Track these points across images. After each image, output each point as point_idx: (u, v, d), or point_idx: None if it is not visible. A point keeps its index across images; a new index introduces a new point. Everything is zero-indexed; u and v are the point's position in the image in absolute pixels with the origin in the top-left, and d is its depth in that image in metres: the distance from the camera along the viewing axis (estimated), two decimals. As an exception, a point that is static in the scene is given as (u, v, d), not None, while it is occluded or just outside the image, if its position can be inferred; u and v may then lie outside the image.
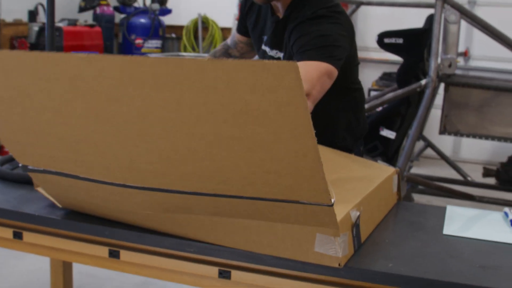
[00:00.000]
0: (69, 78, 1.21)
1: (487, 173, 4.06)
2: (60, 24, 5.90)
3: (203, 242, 1.35)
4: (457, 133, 3.72)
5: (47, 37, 1.83)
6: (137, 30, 6.72)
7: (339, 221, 1.26)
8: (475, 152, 6.13)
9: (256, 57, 2.12)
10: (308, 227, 1.25)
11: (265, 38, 1.92)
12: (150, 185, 1.32)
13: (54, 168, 1.43)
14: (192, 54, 6.12)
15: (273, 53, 1.91)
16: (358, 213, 1.38)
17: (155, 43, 6.78)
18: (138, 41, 6.68)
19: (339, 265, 1.25)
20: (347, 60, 1.76)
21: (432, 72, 3.22)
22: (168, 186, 1.30)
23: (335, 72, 1.68)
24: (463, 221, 1.63)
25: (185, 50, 7.15)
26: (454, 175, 4.86)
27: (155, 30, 6.73)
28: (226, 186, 1.25)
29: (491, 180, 4.35)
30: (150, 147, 1.25)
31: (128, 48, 6.76)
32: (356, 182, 1.59)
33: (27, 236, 1.53)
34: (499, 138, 3.67)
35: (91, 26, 6.25)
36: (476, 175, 4.88)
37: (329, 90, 1.69)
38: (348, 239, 1.30)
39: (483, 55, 5.83)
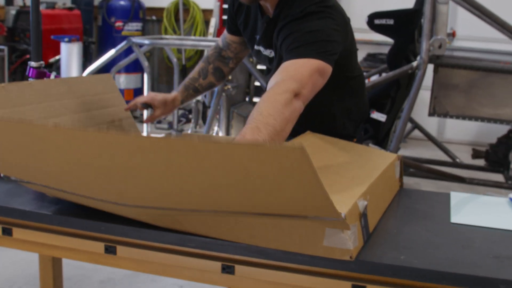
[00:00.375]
0: (39, 138, 1.18)
1: (476, 154, 4.04)
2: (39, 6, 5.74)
3: (205, 237, 1.29)
4: (446, 115, 3.68)
5: (31, 22, 1.74)
6: (116, 13, 6.57)
7: (347, 212, 1.21)
8: (460, 132, 6.13)
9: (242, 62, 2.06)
10: (316, 222, 1.19)
11: (257, 37, 1.85)
12: (143, 204, 1.28)
13: (39, 182, 1.39)
14: (175, 36, 6.00)
15: (267, 52, 1.83)
16: (365, 203, 1.32)
17: (135, 25, 6.65)
18: (118, 23, 6.54)
19: (350, 257, 1.19)
20: (342, 54, 1.67)
21: (423, 53, 3.16)
22: (163, 205, 1.26)
23: (328, 68, 1.57)
24: (469, 208, 1.59)
25: (165, 33, 7.03)
26: (440, 155, 4.84)
27: (135, 12, 6.60)
28: (226, 207, 1.21)
29: (478, 161, 4.33)
30: (139, 185, 1.21)
31: (108, 31, 6.62)
32: (359, 170, 1.54)
33: (17, 232, 1.46)
34: (489, 120, 3.64)
35: (70, 9, 6.10)
36: (461, 155, 4.87)
37: (326, 83, 1.61)
38: (357, 230, 1.25)
39: (467, 35, 5.80)
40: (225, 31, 2.04)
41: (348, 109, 1.89)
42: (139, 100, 1.91)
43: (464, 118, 3.68)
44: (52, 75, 1.87)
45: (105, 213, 1.37)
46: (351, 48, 1.79)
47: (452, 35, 5.44)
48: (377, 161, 1.62)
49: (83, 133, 1.12)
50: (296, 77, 1.49)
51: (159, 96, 1.92)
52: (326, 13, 1.64)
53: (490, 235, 1.40)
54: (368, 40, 5.87)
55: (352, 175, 1.48)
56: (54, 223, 1.40)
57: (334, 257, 1.19)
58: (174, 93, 1.97)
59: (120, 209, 1.33)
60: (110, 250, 1.39)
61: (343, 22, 1.70)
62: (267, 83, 2.04)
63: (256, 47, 1.86)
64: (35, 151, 1.24)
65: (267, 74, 1.92)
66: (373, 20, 3.28)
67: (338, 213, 1.14)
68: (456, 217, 1.50)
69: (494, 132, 5.11)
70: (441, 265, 1.22)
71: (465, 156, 4.96)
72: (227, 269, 1.31)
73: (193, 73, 2.03)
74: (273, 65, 1.80)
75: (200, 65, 2.04)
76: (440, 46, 3.34)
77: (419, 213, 1.54)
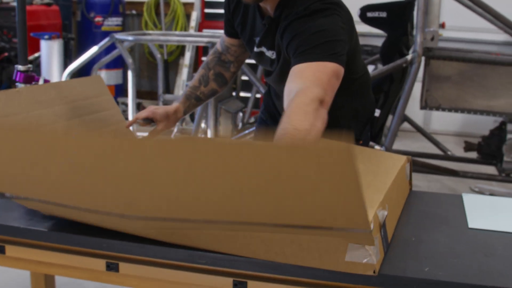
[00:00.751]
0: (41, 145, 1.07)
1: (468, 147, 4.00)
2: (16, 4, 5.58)
3: (216, 253, 1.21)
4: (438, 108, 3.63)
5: (17, 24, 1.64)
6: (96, 8, 6.42)
7: (369, 223, 1.14)
8: (446, 123, 6.11)
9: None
10: (339, 236, 1.12)
11: (257, 39, 1.75)
12: (153, 215, 1.19)
13: (37, 196, 1.28)
14: (157, 32, 5.88)
15: (269, 53, 1.73)
16: (385, 213, 1.26)
17: (115, 20, 6.51)
18: (98, 19, 6.40)
19: (374, 272, 1.12)
20: (348, 53, 1.58)
21: (418, 46, 3.11)
22: (175, 216, 1.17)
23: (341, 70, 1.49)
24: (485, 212, 1.53)
25: (146, 27, 6.90)
26: (428, 147, 4.80)
27: (115, 7, 6.45)
28: (244, 217, 1.11)
29: (469, 153, 4.30)
30: (150, 193, 1.10)
31: (87, 27, 6.47)
32: (372, 176, 1.47)
33: (11, 250, 1.36)
34: (481, 112, 3.60)
35: (48, 4, 5.94)
36: (449, 146, 4.83)
37: None
38: (378, 242, 1.18)
39: (454, 25, 5.77)
40: (223, 35, 1.94)
41: (353, 111, 1.80)
42: (140, 115, 1.80)
43: (456, 110, 3.64)
44: (41, 79, 1.77)
45: (105, 228, 1.29)
46: (356, 48, 1.70)
47: (442, 26, 5.39)
48: (388, 165, 1.55)
49: (91, 138, 1.01)
50: (317, 82, 1.40)
51: (160, 109, 1.81)
52: (332, 10, 1.55)
53: (511, 241, 1.35)
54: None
55: (366, 183, 1.41)
56: (52, 241, 1.32)
57: (357, 272, 1.12)
58: (175, 105, 1.86)
59: (126, 223, 1.24)
60: (112, 267, 1.31)
61: (349, 19, 1.61)
62: (268, 85, 1.95)
63: (256, 49, 1.76)
64: (36, 159, 1.12)
65: (267, 76, 1.82)
66: (365, 13, 3.21)
67: (368, 224, 1.05)
68: (474, 222, 1.44)
69: (480, 122, 5.09)
70: (467, 276, 1.16)
71: (452, 146, 4.93)
72: (239, 285, 1.24)
73: (193, 82, 1.92)
74: (274, 67, 1.71)
75: (200, 72, 1.94)
76: (432, 39, 3.28)
77: (434, 218, 1.48)
